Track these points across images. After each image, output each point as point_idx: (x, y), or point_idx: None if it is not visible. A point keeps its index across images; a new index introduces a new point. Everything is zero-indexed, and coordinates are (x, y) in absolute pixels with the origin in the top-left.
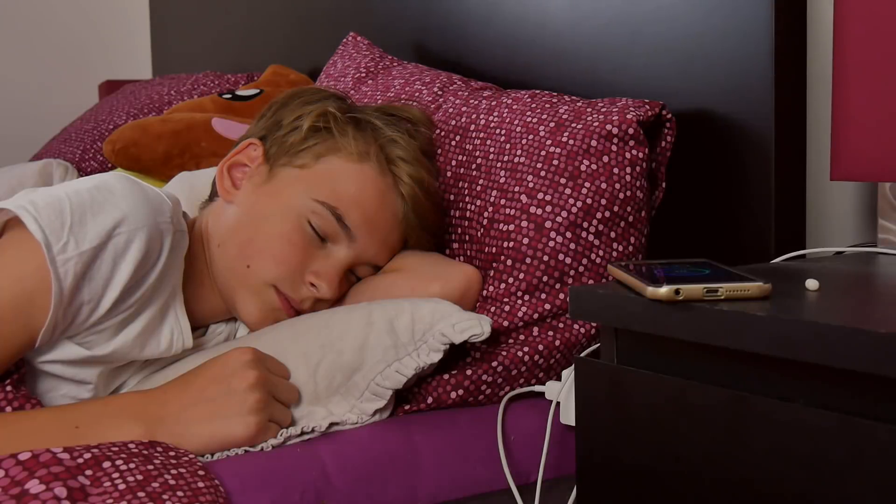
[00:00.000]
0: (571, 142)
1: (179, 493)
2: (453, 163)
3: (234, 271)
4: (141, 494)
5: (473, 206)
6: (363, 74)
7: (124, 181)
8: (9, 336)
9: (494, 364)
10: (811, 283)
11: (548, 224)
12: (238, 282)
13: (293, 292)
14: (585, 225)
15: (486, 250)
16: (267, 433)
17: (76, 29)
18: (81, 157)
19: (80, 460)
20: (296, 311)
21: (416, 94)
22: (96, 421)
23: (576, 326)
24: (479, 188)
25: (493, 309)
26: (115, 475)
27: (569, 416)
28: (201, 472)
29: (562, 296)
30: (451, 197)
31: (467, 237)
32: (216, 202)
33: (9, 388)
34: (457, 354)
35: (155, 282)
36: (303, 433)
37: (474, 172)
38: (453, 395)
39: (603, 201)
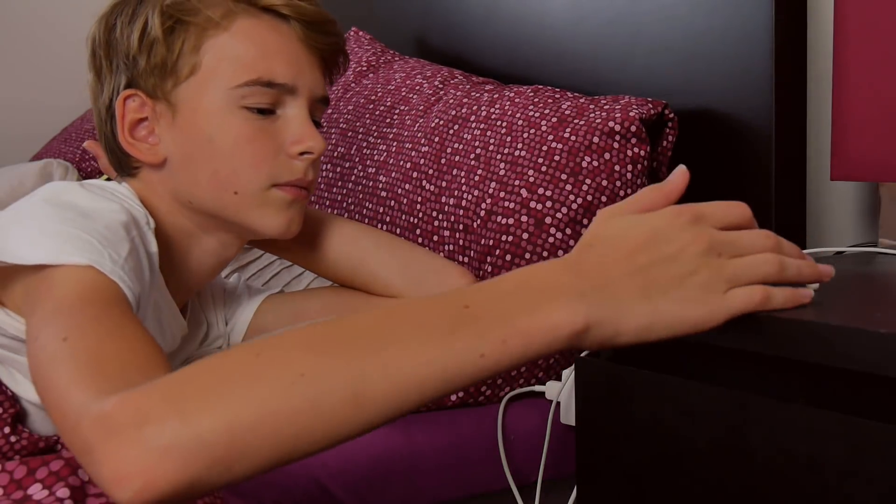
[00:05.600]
0: (574, 138)
1: None
2: (448, 150)
3: (226, 206)
4: None
5: (470, 196)
6: (364, 68)
7: (76, 189)
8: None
9: None
10: (811, 283)
11: (548, 220)
12: (238, 209)
13: (291, 174)
14: (585, 222)
15: (482, 242)
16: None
17: (77, 28)
18: (81, 157)
19: None
20: (307, 192)
21: (418, 86)
22: (496, 300)
23: None
24: (476, 178)
25: None
26: None
27: (569, 416)
28: None
29: None
30: (444, 183)
31: (461, 226)
32: (144, 177)
33: (6, 429)
34: None
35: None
36: None
37: (472, 162)
38: (453, 396)
39: (604, 198)
